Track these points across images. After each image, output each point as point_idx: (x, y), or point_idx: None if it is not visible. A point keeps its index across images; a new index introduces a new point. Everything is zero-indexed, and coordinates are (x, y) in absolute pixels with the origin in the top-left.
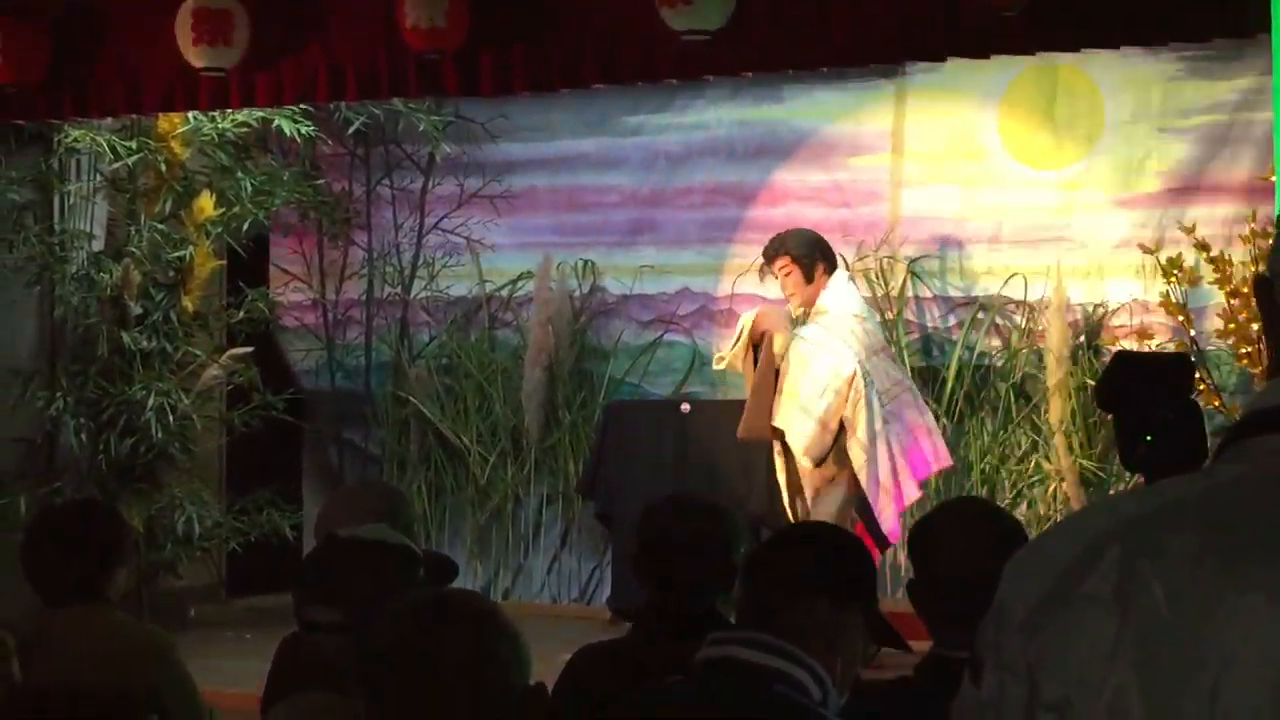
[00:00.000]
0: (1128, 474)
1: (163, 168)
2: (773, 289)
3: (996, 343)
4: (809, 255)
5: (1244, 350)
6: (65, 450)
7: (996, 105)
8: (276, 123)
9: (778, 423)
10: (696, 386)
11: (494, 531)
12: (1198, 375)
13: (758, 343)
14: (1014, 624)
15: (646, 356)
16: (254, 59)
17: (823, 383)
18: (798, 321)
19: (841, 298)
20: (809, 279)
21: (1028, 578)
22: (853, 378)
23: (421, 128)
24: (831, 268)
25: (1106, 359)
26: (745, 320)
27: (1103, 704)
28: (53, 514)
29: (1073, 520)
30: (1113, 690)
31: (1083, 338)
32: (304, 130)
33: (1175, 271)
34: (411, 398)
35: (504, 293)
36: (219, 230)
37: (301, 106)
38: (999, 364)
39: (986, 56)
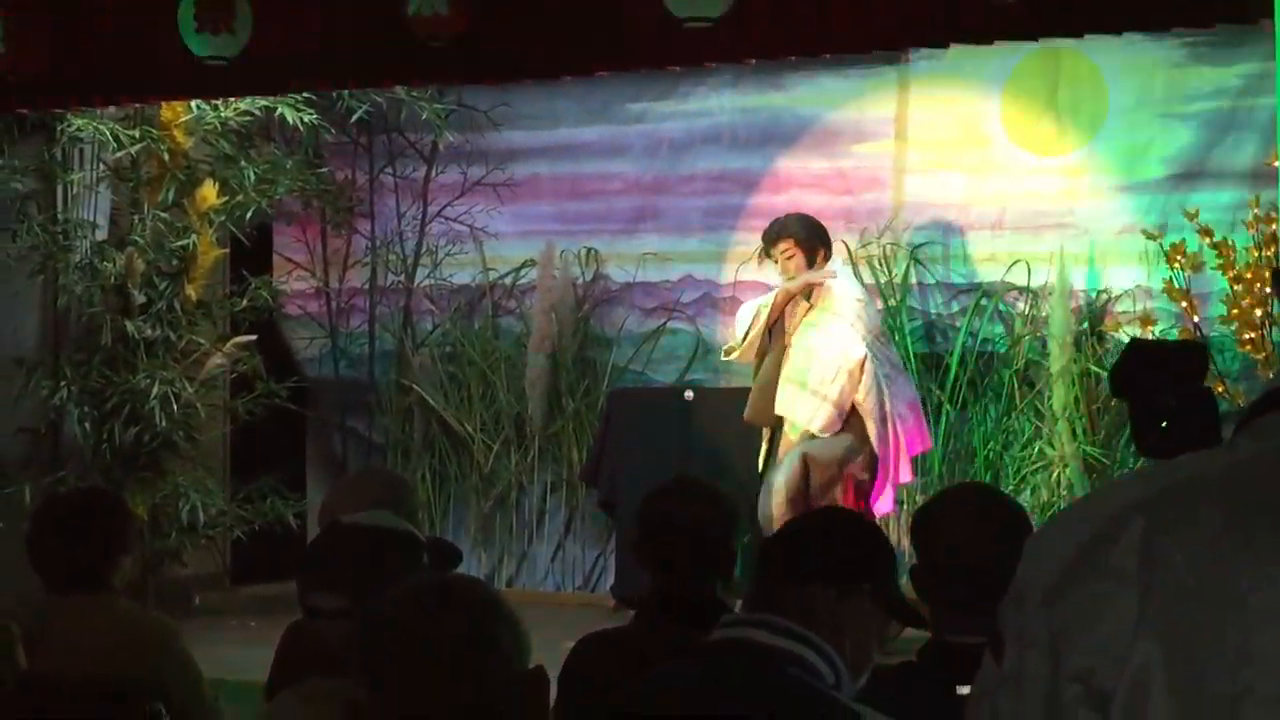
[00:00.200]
0: (1131, 459)
1: (166, 156)
2: (772, 275)
3: (1000, 329)
4: (810, 239)
5: (1247, 336)
6: (69, 439)
7: (999, 92)
8: (279, 111)
9: (780, 409)
10: (700, 374)
11: (498, 519)
12: None
13: (772, 326)
14: (1036, 598)
15: (650, 344)
16: (257, 47)
17: (834, 366)
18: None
19: (843, 282)
20: (810, 263)
21: (1050, 552)
22: (863, 361)
23: (424, 116)
24: (829, 253)
25: (1110, 345)
26: (760, 307)
27: (1127, 676)
28: (58, 502)
29: (1094, 495)
30: (1137, 662)
31: (1086, 324)
32: (307, 118)
33: (1178, 257)
34: (415, 386)
35: (507, 281)
36: (222, 219)
37: (304, 95)
38: (1002, 350)
39: (989, 43)
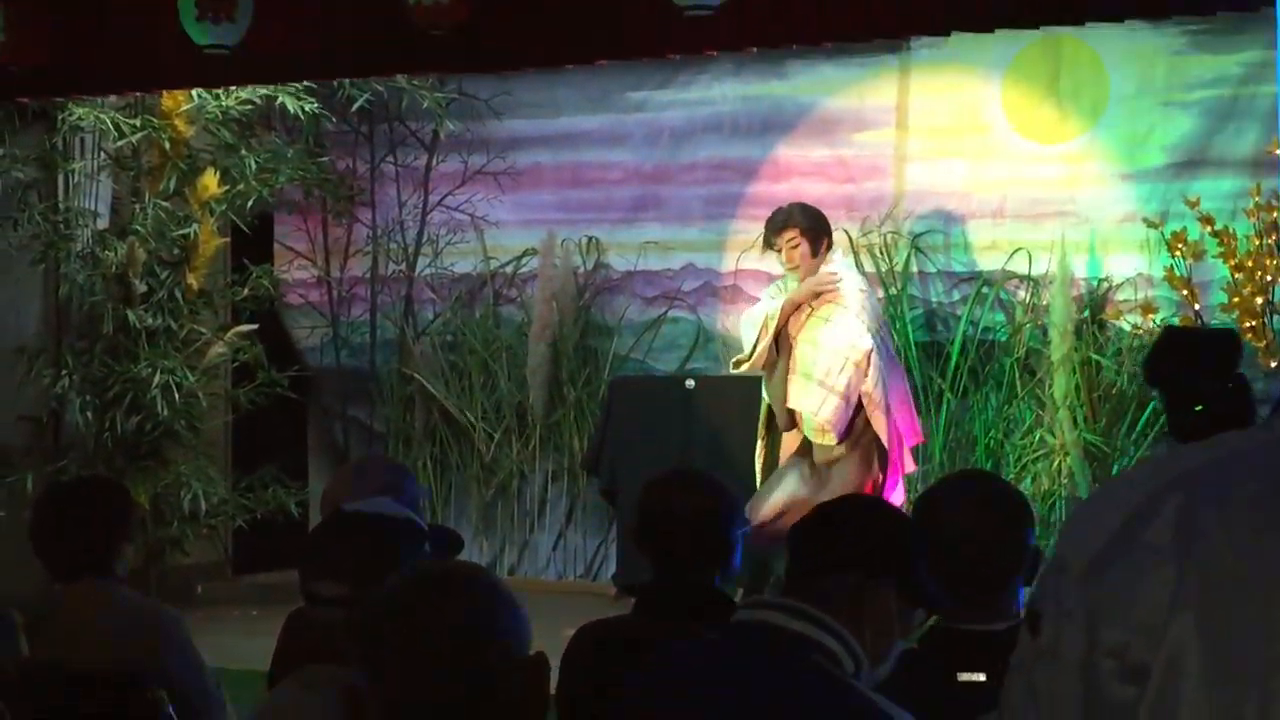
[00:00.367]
0: (1132, 448)
1: (167, 145)
2: (774, 264)
3: (1001, 317)
4: (814, 228)
5: (1248, 324)
6: (71, 428)
7: (1000, 79)
8: (280, 100)
9: (792, 403)
10: (701, 362)
11: (499, 508)
12: None
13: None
14: (1074, 573)
15: (651, 333)
16: (258, 35)
17: (841, 357)
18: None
19: (847, 273)
20: (814, 252)
21: (1088, 527)
22: (870, 352)
23: (425, 105)
24: (831, 243)
25: (1110, 334)
26: (768, 318)
27: (1163, 652)
28: (61, 490)
29: (1134, 471)
30: (1173, 638)
31: (1087, 312)
32: (308, 108)
33: (1179, 245)
34: (416, 375)
35: (508, 269)
36: (223, 208)
37: (305, 84)
38: (1003, 339)
39: (990, 30)
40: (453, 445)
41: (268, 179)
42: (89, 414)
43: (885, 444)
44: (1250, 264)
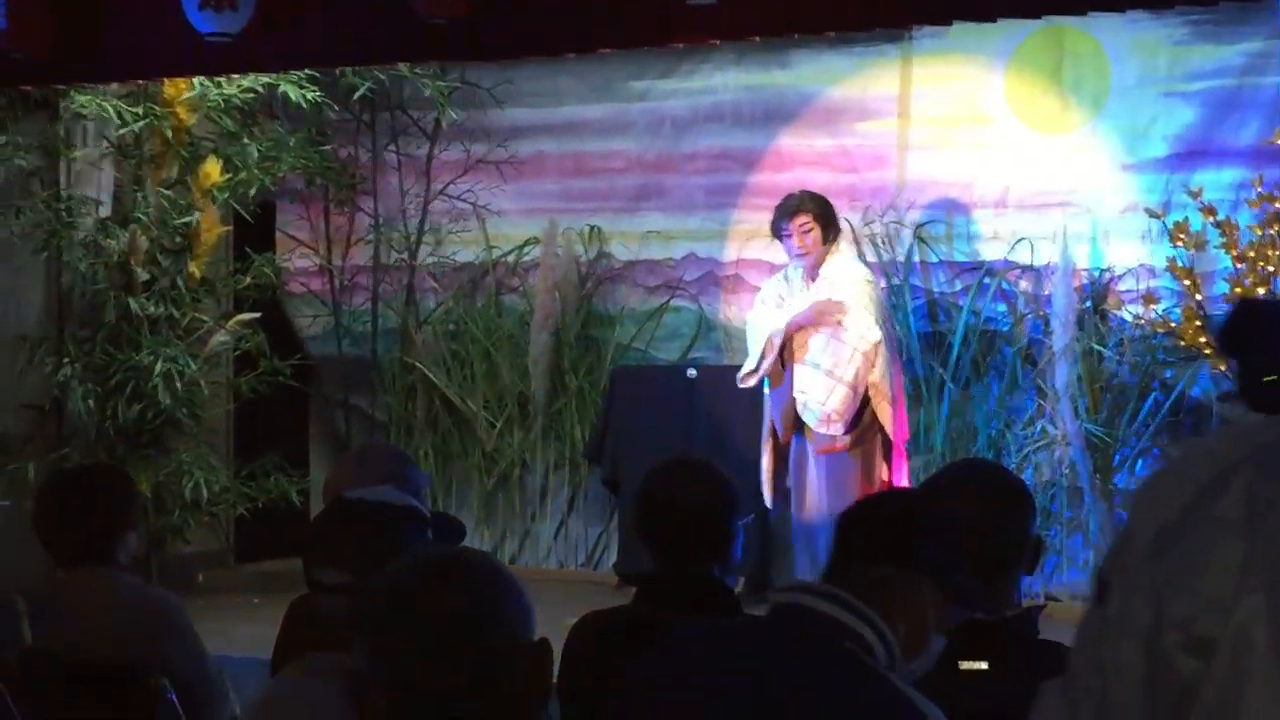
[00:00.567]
0: (1133, 439)
1: (169, 134)
2: (777, 254)
3: (1002, 307)
4: (826, 216)
5: None
6: (73, 416)
7: (1003, 69)
8: (282, 88)
9: (799, 391)
10: (703, 352)
11: (501, 497)
12: (1204, 340)
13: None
14: (1142, 546)
15: (653, 322)
16: (260, 24)
17: (849, 348)
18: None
19: (854, 263)
20: (825, 239)
21: (1157, 501)
22: (878, 343)
23: (427, 93)
24: (838, 234)
25: (1112, 324)
26: (774, 335)
27: (1231, 627)
28: (65, 477)
29: (1201, 445)
30: (1241, 614)
31: (1089, 302)
32: (310, 96)
33: (1182, 236)
34: (418, 364)
35: (510, 258)
36: (225, 196)
37: (307, 72)
38: (1005, 329)
39: (993, 20)
40: (454, 434)
41: (270, 167)
42: (91, 402)
43: (890, 435)
44: (1252, 254)
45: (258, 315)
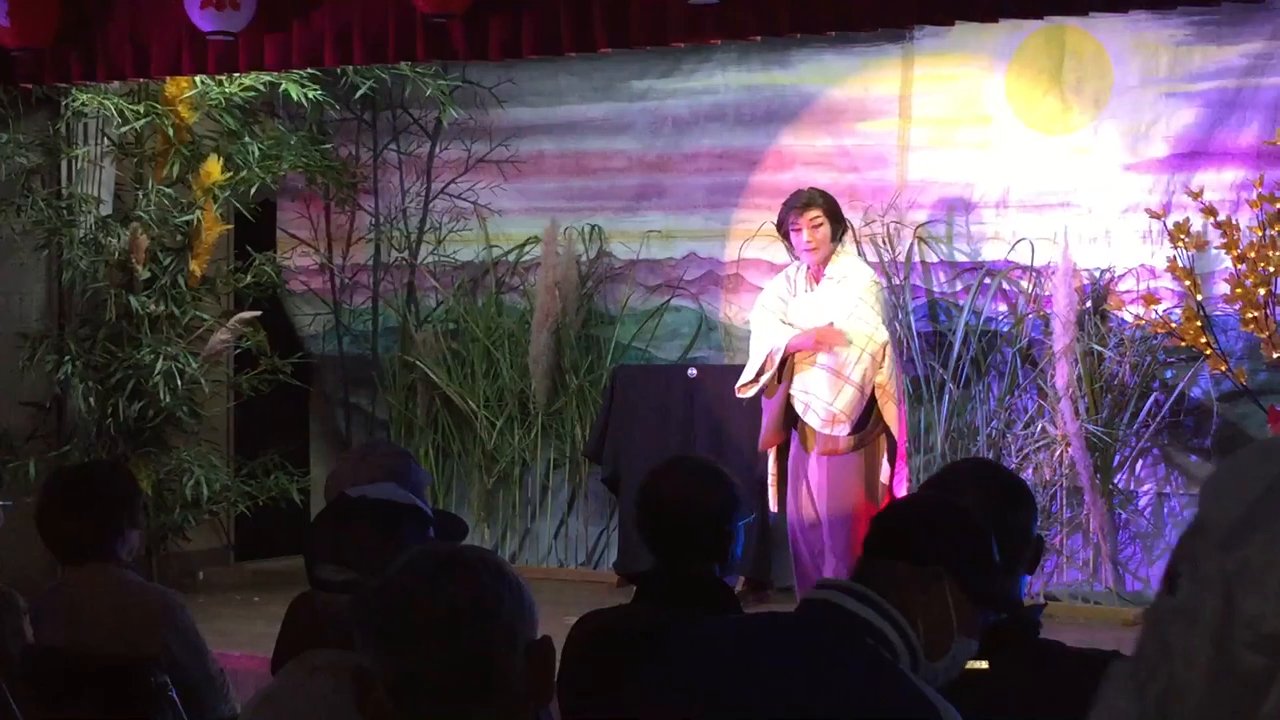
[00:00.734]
0: (1133, 439)
1: (170, 132)
2: (778, 254)
3: (1003, 308)
4: (835, 213)
5: (1250, 315)
6: (74, 414)
7: (1004, 70)
8: (284, 87)
9: (799, 389)
10: (703, 351)
11: (501, 496)
12: (1204, 340)
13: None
14: (1213, 539)
15: (653, 321)
16: (262, 22)
17: (857, 349)
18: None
19: (861, 263)
20: (834, 236)
21: (1228, 495)
22: (886, 344)
23: (429, 92)
24: (846, 233)
25: (1112, 324)
26: (774, 352)
27: None
28: (67, 474)
29: (1275, 440)
30: None
31: (1089, 303)
32: (311, 95)
33: (1182, 236)
34: (418, 362)
35: (511, 257)
36: (226, 195)
37: (309, 71)
38: (1005, 329)
39: (994, 20)
40: (455, 433)
41: (271, 166)
42: (91, 400)
43: (896, 434)
44: (1253, 255)
45: (258, 314)
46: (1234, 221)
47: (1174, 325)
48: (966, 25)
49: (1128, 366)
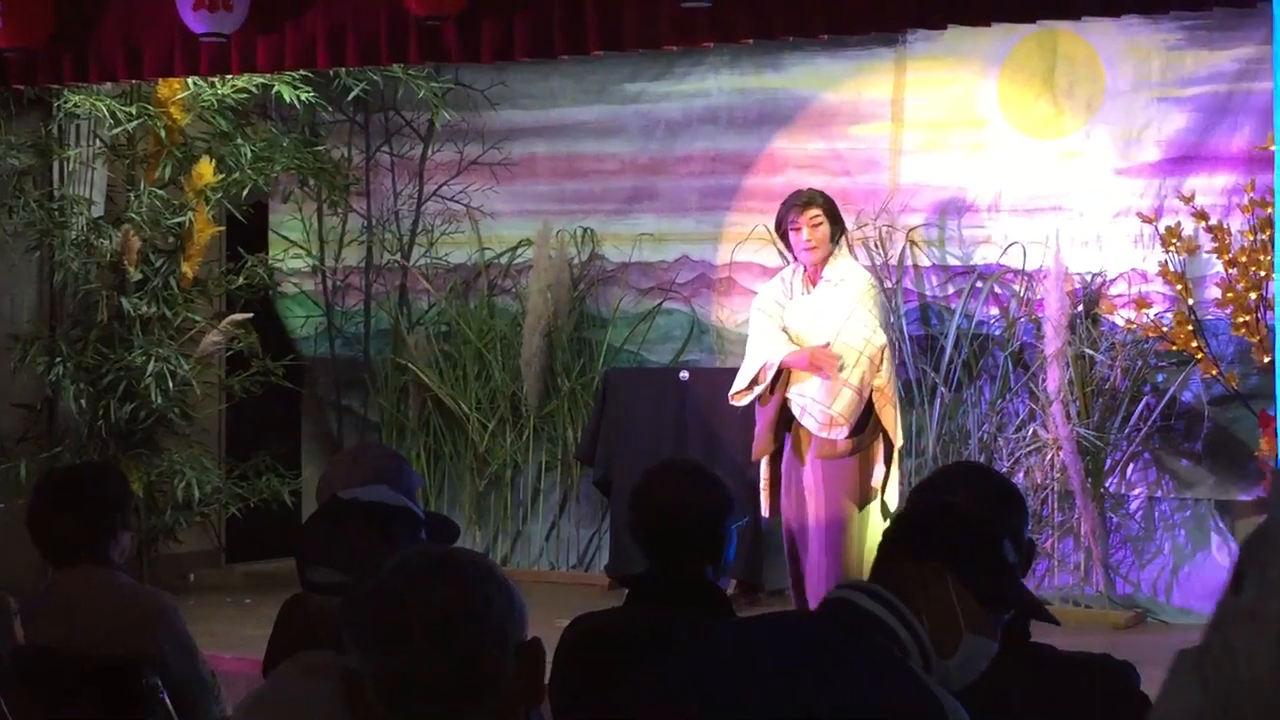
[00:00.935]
0: (1124, 443)
1: (162, 133)
2: (770, 257)
3: (995, 311)
4: (835, 214)
5: (1241, 320)
6: (65, 415)
7: (996, 74)
8: (276, 89)
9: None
10: (695, 354)
11: (493, 498)
12: (1195, 344)
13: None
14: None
15: (645, 324)
16: (254, 24)
17: (855, 352)
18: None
19: (858, 266)
20: (833, 237)
21: None
22: (884, 347)
23: (421, 94)
24: (844, 235)
25: (1104, 328)
26: (768, 365)
27: None
28: (59, 476)
29: None
30: None
31: (1081, 307)
32: (304, 96)
33: (1174, 241)
34: (410, 365)
35: (503, 260)
36: (218, 196)
37: (301, 73)
38: (997, 333)
39: (987, 24)
40: (446, 435)
41: (263, 168)
42: (83, 401)
43: (893, 438)
44: (1244, 259)
45: (250, 315)
46: (1225, 226)
47: (1165, 329)
48: (959, 29)
49: (1119, 370)
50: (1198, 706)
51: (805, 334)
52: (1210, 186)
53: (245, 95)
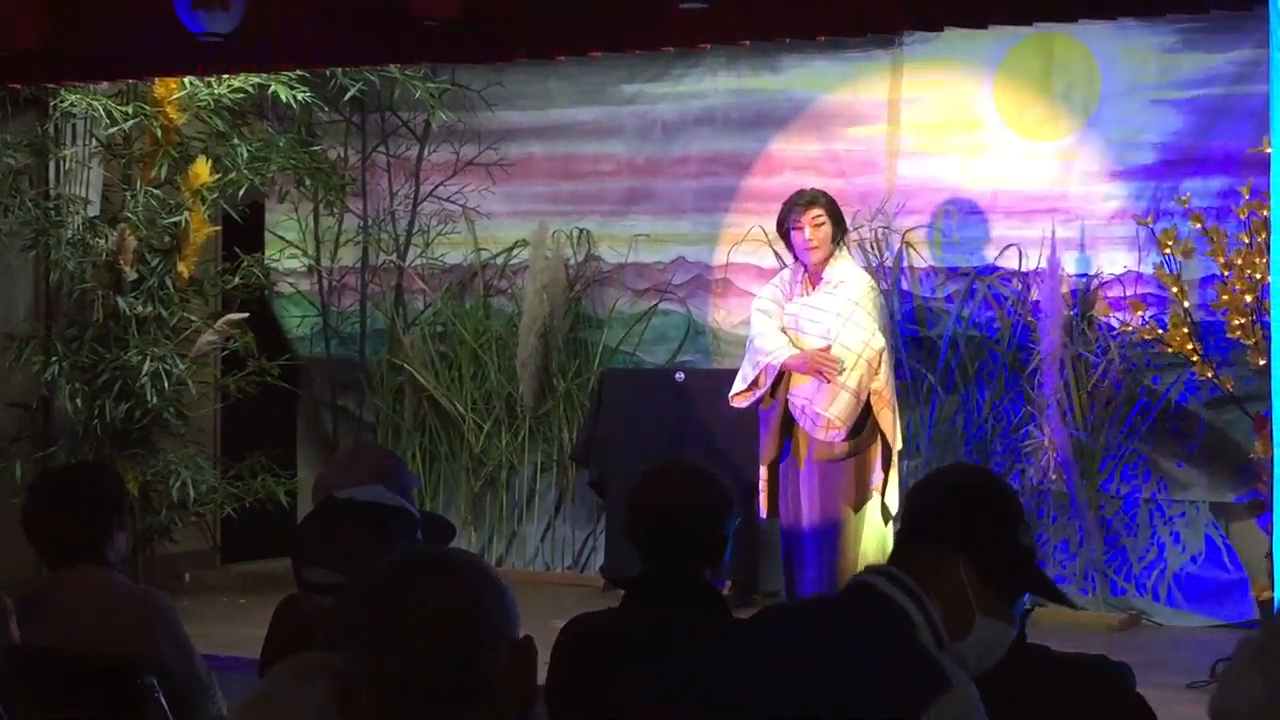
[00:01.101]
0: (1120, 445)
1: (158, 133)
2: (766, 258)
3: (991, 313)
4: (837, 215)
5: (1237, 322)
6: (60, 415)
7: (992, 76)
8: (273, 89)
9: (796, 394)
10: (691, 355)
11: (488, 499)
12: (1191, 347)
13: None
14: None
15: (641, 325)
16: (251, 24)
17: (854, 355)
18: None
19: (858, 268)
20: (834, 237)
21: None
22: (882, 350)
23: (418, 95)
24: (845, 236)
25: (1100, 330)
26: (765, 367)
27: None
28: (55, 476)
29: None
30: None
31: (1076, 309)
32: (300, 97)
33: (1169, 243)
34: (406, 365)
35: (499, 260)
36: (215, 196)
37: (298, 73)
38: (993, 335)
39: (984, 27)
40: (442, 436)
41: (259, 167)
42: (78, 401)
43: (891, 441)
44: (1240, 262)
45: (246, 315)
46: (1221, 228)
47: (1161, 331)
48: (956, 31)
49: (1115, 372)
50: (1260, 697)
51: (804, 336)
52: (1206, 189)
53: (242, 95)
